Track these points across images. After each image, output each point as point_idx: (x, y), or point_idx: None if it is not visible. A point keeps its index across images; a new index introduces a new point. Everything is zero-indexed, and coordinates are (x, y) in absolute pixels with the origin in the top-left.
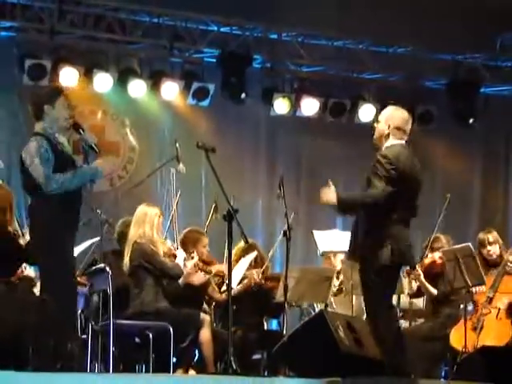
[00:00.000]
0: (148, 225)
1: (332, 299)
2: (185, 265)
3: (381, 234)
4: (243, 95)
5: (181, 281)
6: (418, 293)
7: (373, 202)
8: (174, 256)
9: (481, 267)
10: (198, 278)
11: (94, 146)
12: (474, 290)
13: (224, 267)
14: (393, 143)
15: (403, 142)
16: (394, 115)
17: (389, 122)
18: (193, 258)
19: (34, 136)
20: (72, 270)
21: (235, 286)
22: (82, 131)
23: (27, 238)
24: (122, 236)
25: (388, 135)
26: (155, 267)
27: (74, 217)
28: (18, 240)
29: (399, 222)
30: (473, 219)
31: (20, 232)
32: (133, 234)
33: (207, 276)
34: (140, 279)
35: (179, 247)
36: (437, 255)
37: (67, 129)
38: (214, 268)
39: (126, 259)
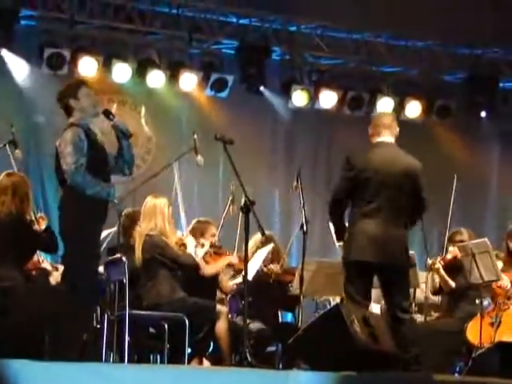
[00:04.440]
0: (160, 216)
1: None
2: (195, 253)
3: (348, 230)
4: (262, 87)
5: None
6: (440, 290)
7: (329, 202)
8: (184, 245)
9: (505, 260)
10: (209, 270)
11: (126, 130)
12: (494, 284)
13: (234, 258)
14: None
15: (379, 139)
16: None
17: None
18: (203, 245)
19: (69, 127)
20: (96, 264)
21: (251, 278)
22: (112, 117)
23: (42, 226)
24: (125, 228)
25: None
26: (168, 259)
27: (103, 210)
28: (33, 228)
29: (363, 217)
30: (489, 213)
31: (34, 219)
32: (144, 226)
33: (218, 266)
34: (154, 272)
35: (188, 235)
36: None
37: (96, 115)
38: (226, 258)
39: (138, 252)
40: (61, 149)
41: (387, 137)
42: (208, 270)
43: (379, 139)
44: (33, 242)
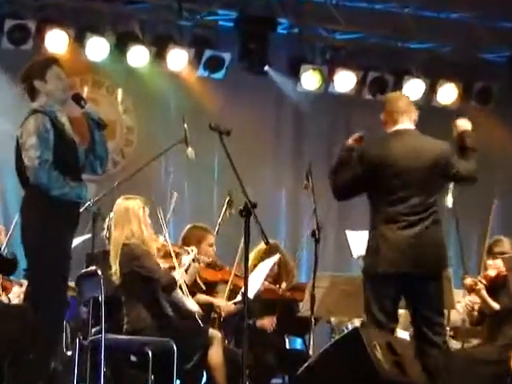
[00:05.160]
0: (135, 221)
1: None
2: (182, 262)
3: (370, 238)
4: (265, 67)
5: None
6: (481, 319)
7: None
8: (169, 254)
9: None
10: (203, 299)
11: (99, 119)
12: None
13: (222, 302)
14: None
15: (396, 127)
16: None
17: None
18: (189, 253)
19: (32, 113)
20: (66, 277)
21: (252, 296)
22: (83, 103)
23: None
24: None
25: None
26: (146, 271)
27: (73, 214)
28: None
29: (387, 221)
30: None
31: None
32: (118, 235)
33: (210, 300)
34: (135, 288)
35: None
36: (501, 263)
37: (65, 101)
38: (223, 272)
39: (116, 266)
40: (22, 140)
41: (406, 123)
42: (189, 304)
43: (397, 127)
44: None
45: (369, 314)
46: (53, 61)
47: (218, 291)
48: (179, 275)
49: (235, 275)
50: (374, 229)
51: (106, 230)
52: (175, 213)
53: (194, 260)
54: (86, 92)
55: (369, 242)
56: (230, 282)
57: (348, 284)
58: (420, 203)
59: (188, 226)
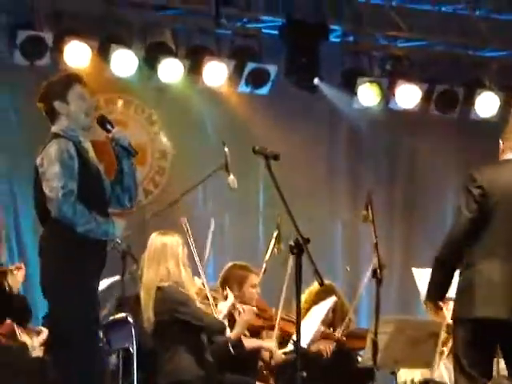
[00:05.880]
0: (172, 260)
1: (441, 363)
2: (217, 309)
3: (464, 275)
4: (316, 80)
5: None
6: None
7: (442, 248)
8: (207, 300)
9: None
10: (250, 343)
11: (128, 145)
12: None
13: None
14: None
15: (508, 156)
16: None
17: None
18: (227, 297)
19: (53, 138)
20: (94, 325)
21: (305, 345)
22: (110, 127)
23: (19, 279)
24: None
25: (503, 151)
26: (191, 318)
27: (100, 253)
28: (4, 285)
29: (485, 255)
30: None
31: (8, 270)
32: (152, 276)
33: (259, 343)
34: (172, 338)
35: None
36: None
37: (90, 127)
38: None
39: (149, 312)
40: (43, 168)
41: None
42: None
43: (510, 155)
44: (3, 304)
45: (457, 366)
46: (75, 79)
47: (263, 339)
48: None
49: (285, 320)
50: (470, 265)
51: (124, 271)
52: (214, 249)
53: (233, 306)
54: (120, 107)
55: (460, 281)
56: (276, 328)
57: (416, 329)
58: None
59: (228, 265)
